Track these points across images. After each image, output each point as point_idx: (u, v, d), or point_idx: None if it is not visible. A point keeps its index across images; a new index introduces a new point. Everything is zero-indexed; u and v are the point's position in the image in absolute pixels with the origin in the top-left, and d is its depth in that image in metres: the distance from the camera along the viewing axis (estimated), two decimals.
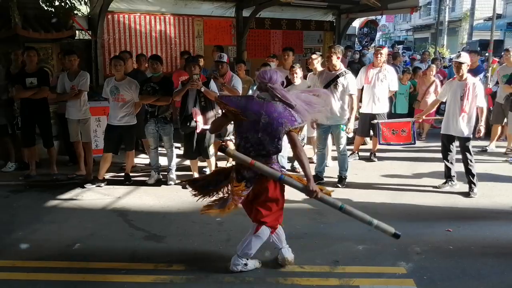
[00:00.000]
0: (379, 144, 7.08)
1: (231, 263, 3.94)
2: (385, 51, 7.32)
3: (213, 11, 10.88)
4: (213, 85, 6.22)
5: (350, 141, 7.46)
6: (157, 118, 6.32)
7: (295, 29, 12.53)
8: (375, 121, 6.98)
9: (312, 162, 6.53)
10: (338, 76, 6.12)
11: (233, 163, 3.97)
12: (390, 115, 8.29)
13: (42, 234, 4.77)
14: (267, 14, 11.55)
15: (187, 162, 6.81)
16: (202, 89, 6.00)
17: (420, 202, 5.77)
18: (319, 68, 7.15)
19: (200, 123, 6.06)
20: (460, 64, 5.83)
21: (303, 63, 12.15)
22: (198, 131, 6.10)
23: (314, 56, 7.37)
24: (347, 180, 6.44)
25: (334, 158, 7.03)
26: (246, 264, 3.95)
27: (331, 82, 6.13)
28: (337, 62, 6.17)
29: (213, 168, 6.45)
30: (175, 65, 10.21)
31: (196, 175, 6.44)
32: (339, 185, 6.30)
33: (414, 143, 7.07)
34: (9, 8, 6.88)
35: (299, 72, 6.74)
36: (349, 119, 6.23)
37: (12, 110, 7.05)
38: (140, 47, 9.75)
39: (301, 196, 5.70)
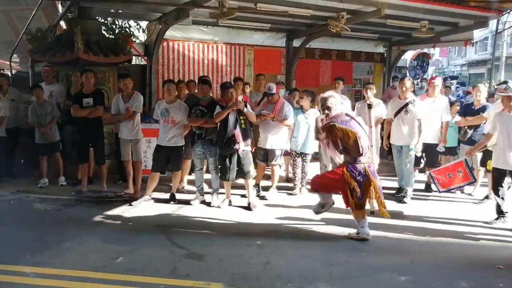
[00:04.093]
0: (439, 192, 6.75)
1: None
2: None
3: (264, 41, 11.14)
4: (249, 108, 6.50)
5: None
6: (204, 140, 6.47)
7: (345, 60, 12.58)
8: (427, 171, 7.00)
9: None
10: (407, 104, 6.81)
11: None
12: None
13: (88, 246, 4.94)
14: (317, 44, 11.68)
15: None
16: (245, 110, 6.20)
17: (469, 236, 5.54)
18: (371, 97, 7.52)
19: (242, 144, 6.20)
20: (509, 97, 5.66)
21: (352, 94, 12.21)
22: (240, 152, 6.24)
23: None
24: (395, 209, 6.40)
25: None
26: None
27: (401, 109, 6.88)
28: (407, 92, 6.93)
29: (251, 188, 6.56)
30: None
31: (229, 197, 6.66)
32: (398, 195, 7.10)
33: (475, 181, 6.79)
34: (73, 34, 7.36)
35: None
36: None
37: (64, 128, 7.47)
38: (192, 74, 10.09)
39: (343, 223, 5.71)
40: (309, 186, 7.38)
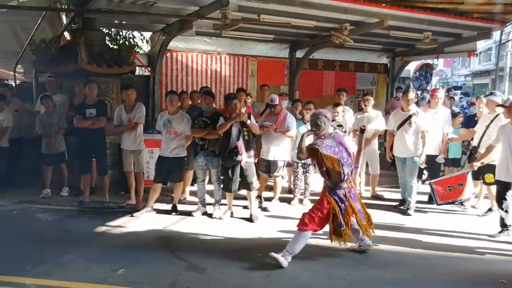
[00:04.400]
0: (437, 205, 6.65)
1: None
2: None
3: (267, 52, 11.19)
4: (253, 119, 6.47)
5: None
6: (206, 151, 6.47)
7: (348, 70, 12.61)
8: (428, 181, 6.94)
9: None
10: (411, 116, 6.84)
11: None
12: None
13: (90, 258, 4.92)
14: (320, 55, 11.72)
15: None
16: (248, 122, 6.19)
17: (473, 250, 5.48)
18: (370, 109, 7.74)
19: (245, 155, 6.18)
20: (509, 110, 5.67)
21: (355, 104, 12.21)
22: (242, 163, 6.22)
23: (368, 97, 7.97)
24: (398, 221, 6.45)
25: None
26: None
27: (405, 121, 6.89)
28: (410, 104, 6.96)
29: (253, 200, 6.55)
30: None
31: (231, 208, 6.64)
32: (401, 207, 7.12)
33: (474, 193, 6.68)
34: (77, 45, 7.41)
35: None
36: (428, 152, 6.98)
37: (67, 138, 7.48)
38: (195, 84, 10.11)
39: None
40: (311, 197, 7.41)
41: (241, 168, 6.31)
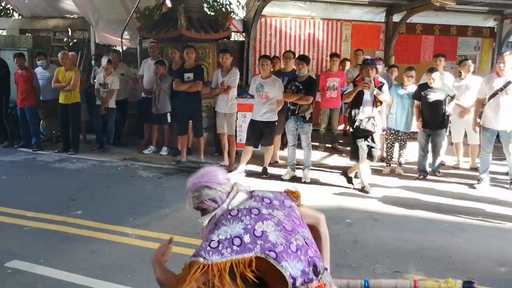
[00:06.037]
0: None
1: None
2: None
3: (362, 16, 10.80)
4: (386, 89, 6.16)
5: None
6: (297, 117, 6.51)
7: (449, 35, 11.78)
8: None
9: None
10: (509, 83, 6.07)
11: None
12: None
13: (184, 213, 5.20)
14: (419, 19, 11.05)
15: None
16: (374, 92, 5.92)
17: None
18: (469, 75, 7.21)
19: (379, 127, 6.13)
20: None
21: (455, 71, 11.46)
22: (375, 135, 6.10)
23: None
24: (496, 197, 6.01)
25: None
26: None
27: (503, 87, 6.12)
28: (508, 69, 6.12)
29: (368, 172, 6.38)
30: (321, 67, 10.40)
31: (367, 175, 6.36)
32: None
33: None
34: (177, 12, 7.71)
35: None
36: None
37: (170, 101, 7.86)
38: (289, 49, 10.08)
39: (438, 207, 5.45)
40: (406, 166, 7.17)
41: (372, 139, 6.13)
